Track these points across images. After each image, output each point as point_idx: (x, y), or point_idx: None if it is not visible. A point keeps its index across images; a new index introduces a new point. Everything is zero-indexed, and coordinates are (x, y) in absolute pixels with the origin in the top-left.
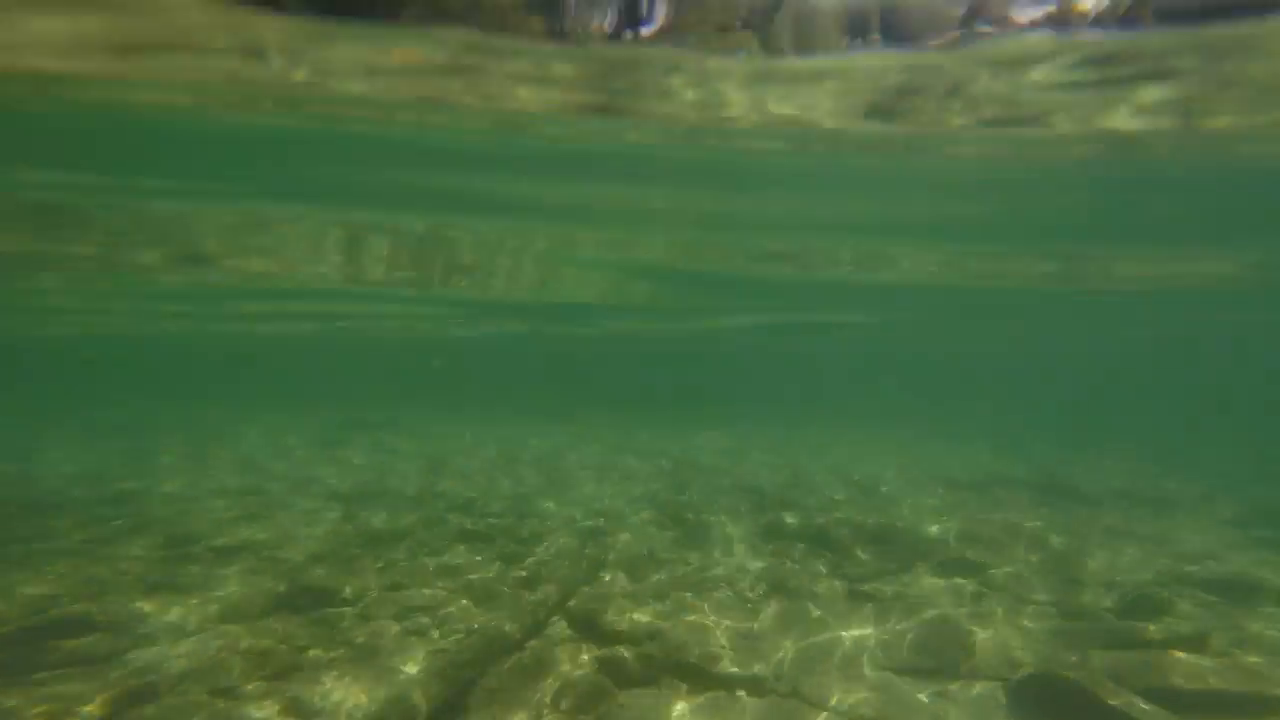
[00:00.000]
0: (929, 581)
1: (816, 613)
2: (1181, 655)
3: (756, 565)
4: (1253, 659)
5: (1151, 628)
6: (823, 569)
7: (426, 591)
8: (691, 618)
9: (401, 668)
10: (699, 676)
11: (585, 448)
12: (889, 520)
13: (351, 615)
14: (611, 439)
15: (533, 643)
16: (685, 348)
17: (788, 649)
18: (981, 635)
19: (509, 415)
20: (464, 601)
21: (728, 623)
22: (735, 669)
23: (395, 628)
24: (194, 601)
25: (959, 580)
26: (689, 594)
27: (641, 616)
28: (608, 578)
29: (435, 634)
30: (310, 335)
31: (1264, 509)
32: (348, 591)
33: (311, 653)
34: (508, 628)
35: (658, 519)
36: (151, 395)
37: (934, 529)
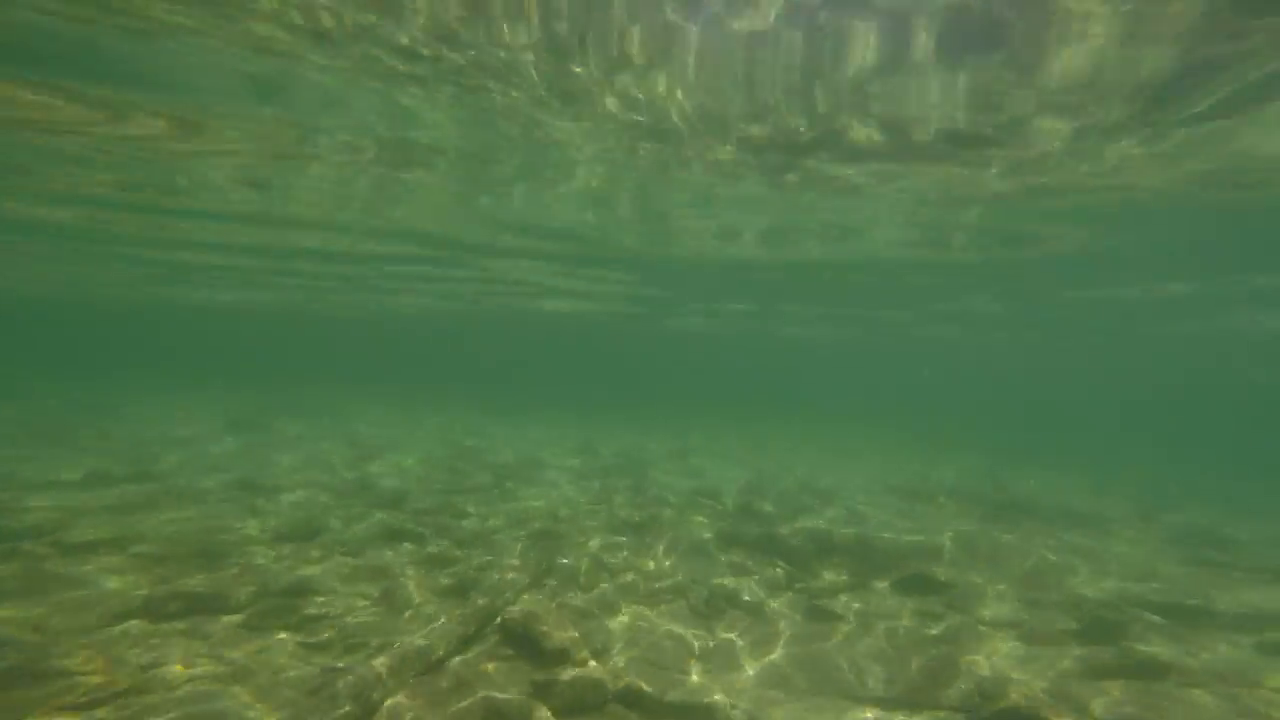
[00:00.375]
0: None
1: (787, 632)
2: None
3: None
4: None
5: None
6: (780, 583)
7: (333, 596)
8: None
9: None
10: (651, 708)
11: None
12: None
13: (232, 625)
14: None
15: (455, 661)
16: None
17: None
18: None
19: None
20: (375, 608)
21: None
22: (692, 696)
23: (285, 642)
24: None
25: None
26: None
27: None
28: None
29: (336, 647)
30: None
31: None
32: (241, 596)
33: (170, 671)
34: (423, 642)
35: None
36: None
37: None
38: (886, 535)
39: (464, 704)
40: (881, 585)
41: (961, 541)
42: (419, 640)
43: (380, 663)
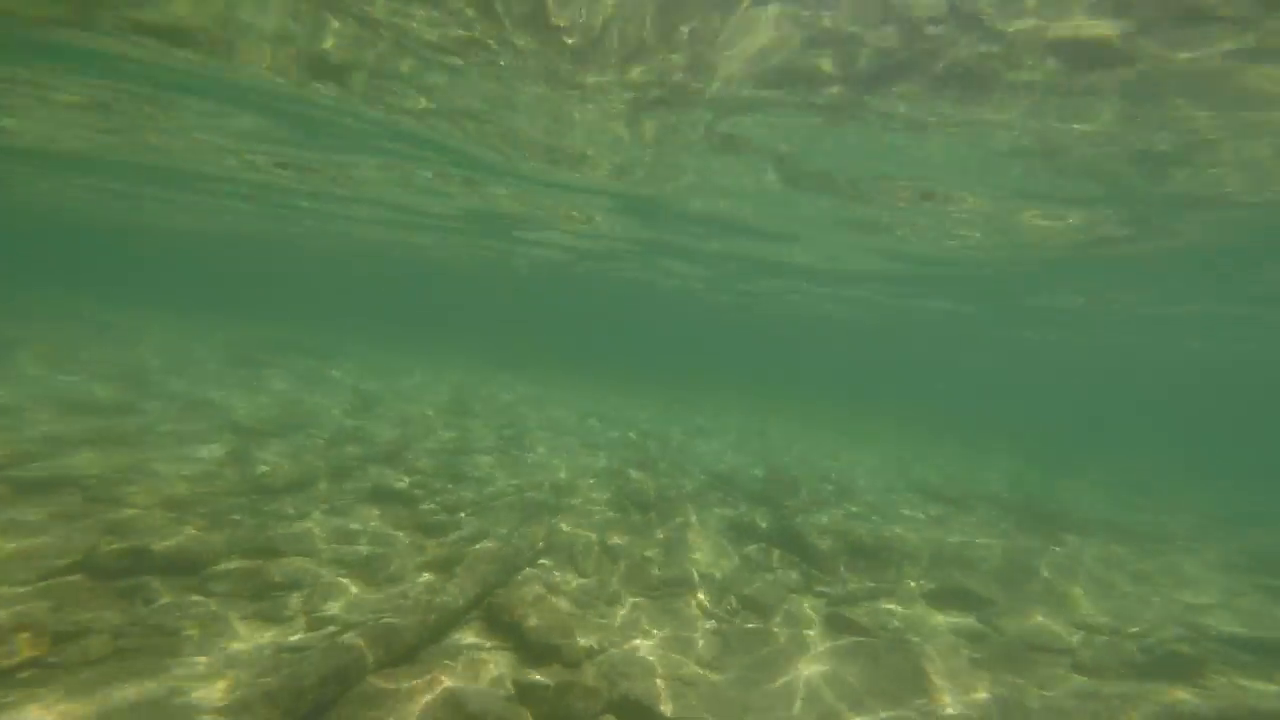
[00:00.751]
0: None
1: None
2: None
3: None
4: None
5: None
6: (799, 585)
7: (306, 563)
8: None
9: (218, 671)
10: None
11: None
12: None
13: (181, 590)
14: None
15: (430, 650)
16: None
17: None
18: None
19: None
20: (348, 582)
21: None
22: (694, 714)
23: (244, 613)
24: None
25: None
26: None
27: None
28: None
29: (297, 622)
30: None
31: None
32: (200, 556)
33: (93, 642)
34: (396, 621)
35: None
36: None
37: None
38: (914, 537)
39: (428, 699)
40: (912, 595)
41: (999, 552)
42: (392, 620)
43: (347, 642)
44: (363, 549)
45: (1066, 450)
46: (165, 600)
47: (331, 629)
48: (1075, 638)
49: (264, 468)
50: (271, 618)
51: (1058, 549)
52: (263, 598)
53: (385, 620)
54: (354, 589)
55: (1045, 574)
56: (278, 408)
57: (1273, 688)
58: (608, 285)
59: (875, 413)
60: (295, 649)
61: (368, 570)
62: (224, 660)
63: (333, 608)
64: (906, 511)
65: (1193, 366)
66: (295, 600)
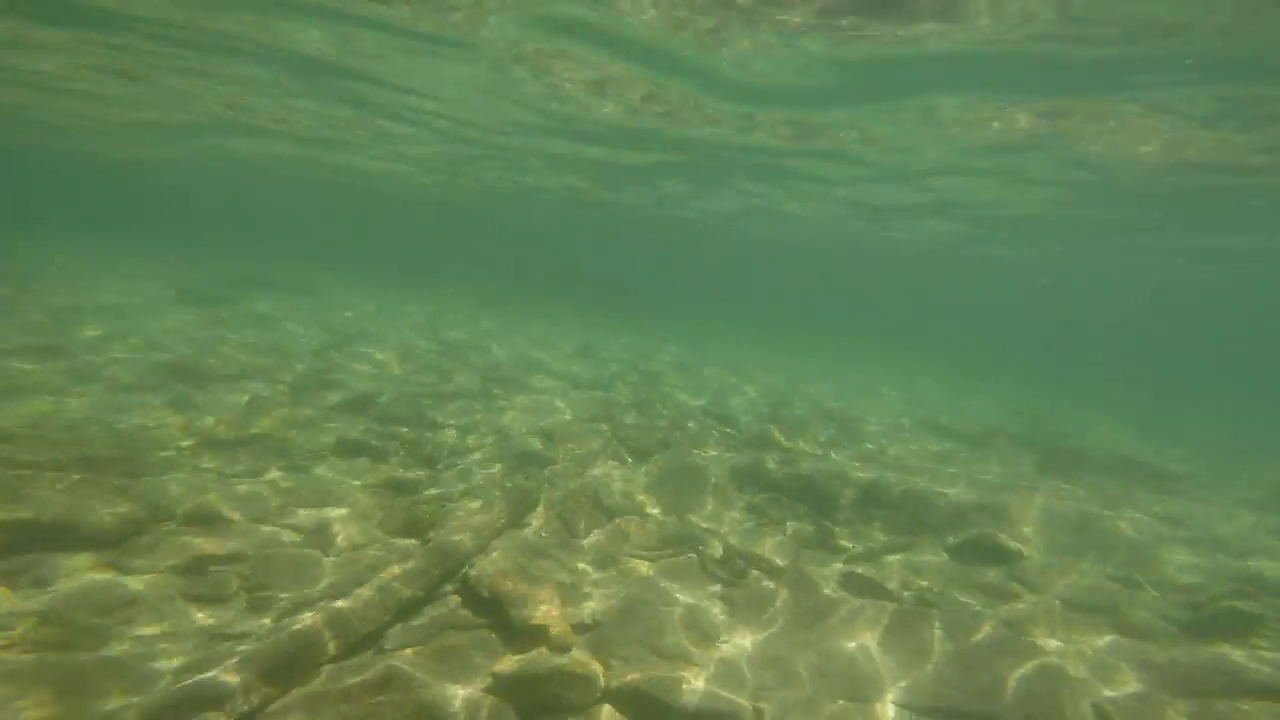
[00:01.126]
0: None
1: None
2: None
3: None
4: None
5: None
6: (810, 539)
7: (246, 532)
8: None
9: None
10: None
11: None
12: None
13: (87, 567)
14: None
15: (395, 630)
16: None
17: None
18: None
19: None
20: (304, 553)
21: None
22: (708, 702)
23: (169, 593)
24: None
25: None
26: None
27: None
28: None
29: (240, 596)
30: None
31: None
32: (109, 524)
33: None
34: (351, 604)
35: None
36: None
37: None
38: (930, 484)
39: (385, 700)
40: (933, 549)
41: (1019, 496)
42: (347, 603)
43: (298, 627)
44: (322, 511)
45: (1063, 379)
46: (66, 583)
47: (278, 612)
48: (1118, 593)
49: (211, 418)
50: (207, 598)
51: (1081, 492)
52: (197, 573)
53: (341, 603)
54: (310, 562)
55: (1075, 521)
56: (236, 350)
57: None
58: (590, 214)
59: (862, 339)
60: (234, 636)
61: (323, 536)
62: (146, 651)
63: (282, 586)
64: (918, 451)
65: (1175, 285)
66: (235, 578)
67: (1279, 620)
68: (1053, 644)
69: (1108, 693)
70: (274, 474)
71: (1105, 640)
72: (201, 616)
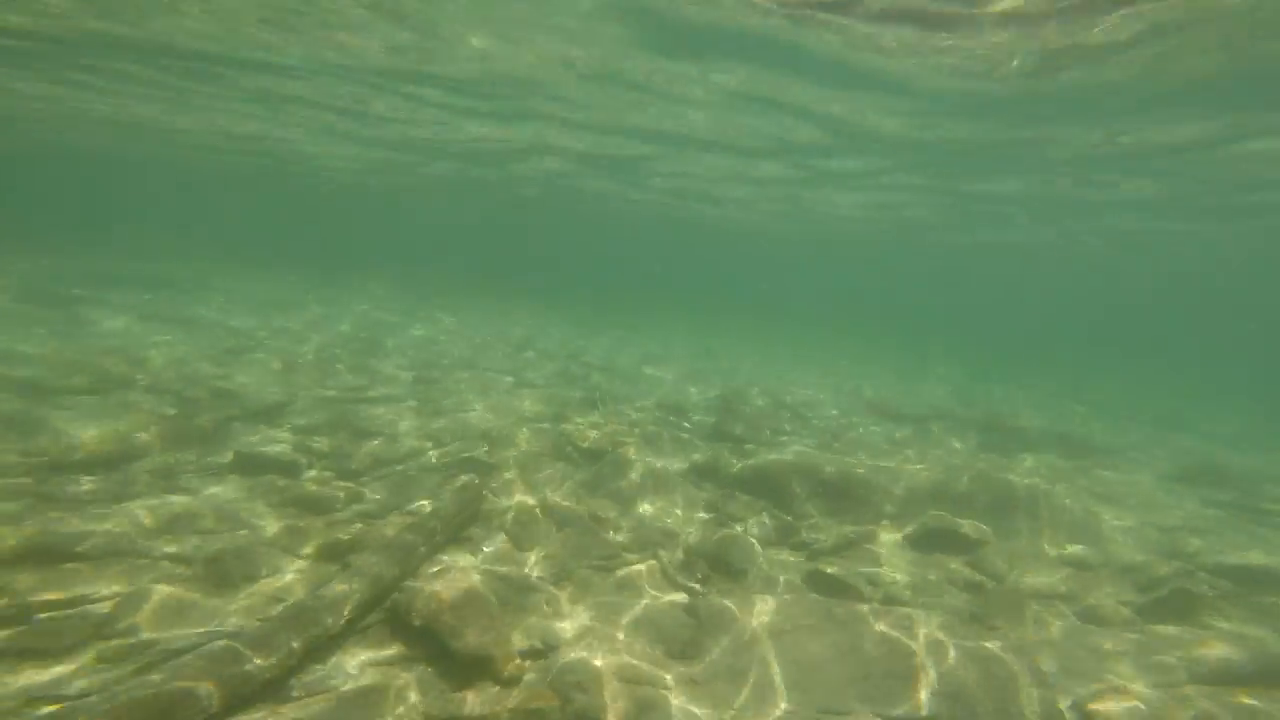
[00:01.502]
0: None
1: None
2: None
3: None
4: None
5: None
6: (771, 536)
7: (111, 568)
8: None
9: None
10: None
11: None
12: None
13: None
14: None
15: (305, 677)
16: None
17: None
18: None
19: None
20: (181, 590)
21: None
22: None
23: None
24: None
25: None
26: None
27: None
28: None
29: (84, 653)
30: None
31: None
32: None
33: None
34: (250, 644)
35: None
36: None
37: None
38: (885, 467)
39: None
40: (894, 539)
41: (971, 479)
42: (241, 642)
43: (165, 682)
44: (217, 537)
45: (993, 358)
46: None
47: (140, 663)
48: (1069, 579)
49: (67, 437)
50: (41, 651)
51: (1027, 476)
52: (30, 621)
53: (229, 643)
54: (190, 599)
55: (1023, 503)
56: (99, 355)
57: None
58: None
59: (807, 326)
60: (72, 697)
61: (215, 570)
62: None
63: (148, 629)
64: (870, 438)
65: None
66: (84, 625)
67: (1224, 600)
68: (1010, 633)
69: (1079, 688)
70: (145, 500)
71: (1067, 625)
72: (36, 675)
